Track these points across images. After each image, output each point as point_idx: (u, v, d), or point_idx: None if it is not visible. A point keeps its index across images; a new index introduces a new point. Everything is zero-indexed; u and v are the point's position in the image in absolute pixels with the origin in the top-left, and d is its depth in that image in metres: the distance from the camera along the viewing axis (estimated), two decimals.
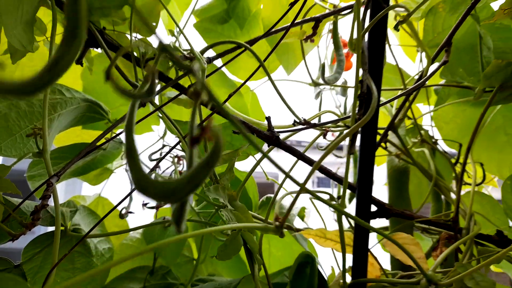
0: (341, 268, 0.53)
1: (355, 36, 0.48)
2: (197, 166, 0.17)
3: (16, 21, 0.40)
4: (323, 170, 0.56)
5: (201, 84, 0.22)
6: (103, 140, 0.60)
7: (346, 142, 0.68)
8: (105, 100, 0.67)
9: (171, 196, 0.18)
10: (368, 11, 0.46)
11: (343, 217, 0.46)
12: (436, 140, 0.71)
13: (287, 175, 0.32)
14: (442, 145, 0.77)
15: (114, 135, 0.69)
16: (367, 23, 0.44)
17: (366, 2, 0.45)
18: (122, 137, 0.77)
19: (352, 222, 0.52)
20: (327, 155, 0.37)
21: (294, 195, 0.49)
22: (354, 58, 0.60)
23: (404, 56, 0.86)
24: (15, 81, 0.18)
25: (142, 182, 0.20)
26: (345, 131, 0.54)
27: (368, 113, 0.36)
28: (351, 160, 0.79)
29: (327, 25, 0.65)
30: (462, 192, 0.73)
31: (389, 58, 0.74)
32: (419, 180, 0.67)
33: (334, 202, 0.63)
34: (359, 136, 0.52)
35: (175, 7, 0.79)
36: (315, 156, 0.57)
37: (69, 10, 0.17)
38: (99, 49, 0.51)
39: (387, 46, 0.65)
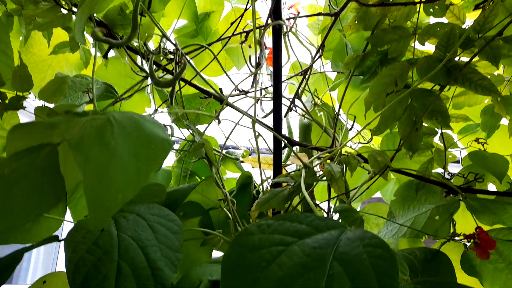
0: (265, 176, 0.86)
1: (269, 44, 0.84)
2: (177, 73, 0.51)
3: (78, 29, 0.73)
4: (260, 122, 0.90)
5: (185, 62, 0.56)
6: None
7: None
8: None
9: (170, 83, 0.52)
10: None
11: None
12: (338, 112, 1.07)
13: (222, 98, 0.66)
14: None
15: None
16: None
17: (266, 20, 0.80)
18: None
19: (271, 147, 0.85)
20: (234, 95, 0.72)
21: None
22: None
23: None
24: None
25: (156, 80, 0.53)
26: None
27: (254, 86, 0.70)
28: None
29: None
30: (357, 146, 1.08)
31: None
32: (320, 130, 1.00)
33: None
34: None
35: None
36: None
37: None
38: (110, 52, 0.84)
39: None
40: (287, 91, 1.07)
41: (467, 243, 0.80)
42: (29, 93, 0.72)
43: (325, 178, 0.78)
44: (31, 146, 0.45)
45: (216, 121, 0.67)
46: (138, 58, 0.89)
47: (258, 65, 0.70)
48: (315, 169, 0.82)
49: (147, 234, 0.57)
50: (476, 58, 0.83)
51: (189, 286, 0.54)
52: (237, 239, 0.42)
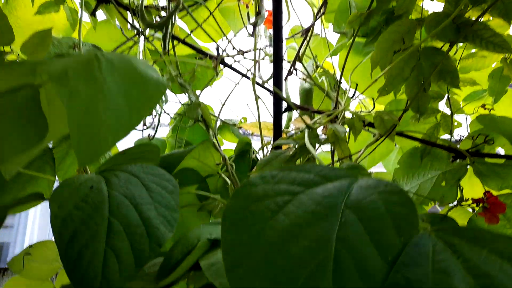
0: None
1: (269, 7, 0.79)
2: (171, 12, 0.46)
3: None
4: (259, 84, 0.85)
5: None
6: None
7: None
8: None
9: (163, 23, 0.47)
10: None
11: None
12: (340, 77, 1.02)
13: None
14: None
15: None
16: None
17: None
18: None
19: (271, 112, 0.81)
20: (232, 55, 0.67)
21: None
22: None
23: None
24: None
25: (147, 22, 0.48)
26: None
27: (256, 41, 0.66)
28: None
29: None
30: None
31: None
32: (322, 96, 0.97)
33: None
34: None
35: None
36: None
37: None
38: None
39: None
40: (286, 57, 1.03)
41: (474, 209, 0.77)
42: (11, 49, 0.66)
43: (328, 141, 0.74)
44: (10, 87, 0.40)
45: (215, 75, 0.63)
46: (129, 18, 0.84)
47: (258, 13, 0.65)
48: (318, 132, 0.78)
49: (141, 193, 0.53)
50: (487, 18, 0.79)
51: (186, 245, 0.50)
52: (239, 190, 0.38)
